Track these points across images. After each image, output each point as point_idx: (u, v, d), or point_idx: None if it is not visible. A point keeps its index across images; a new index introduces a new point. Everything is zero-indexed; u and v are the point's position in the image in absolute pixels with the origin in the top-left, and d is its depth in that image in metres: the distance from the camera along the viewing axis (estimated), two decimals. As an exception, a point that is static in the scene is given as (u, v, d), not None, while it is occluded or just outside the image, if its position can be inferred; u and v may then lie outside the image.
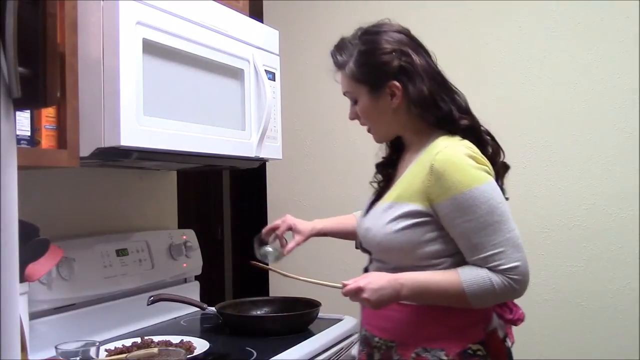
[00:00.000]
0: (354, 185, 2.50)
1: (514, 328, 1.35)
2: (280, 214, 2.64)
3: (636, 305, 2.01)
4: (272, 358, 1.41)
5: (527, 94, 2.19)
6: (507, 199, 1.28)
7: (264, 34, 1.79)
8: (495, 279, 1.18)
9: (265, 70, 1.74)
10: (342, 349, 1.67)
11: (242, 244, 4.37)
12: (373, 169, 2.55)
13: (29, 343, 1.23)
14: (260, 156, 1.72)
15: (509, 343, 1.33)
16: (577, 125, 2.12)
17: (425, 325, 1.26)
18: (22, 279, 1.19)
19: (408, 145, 1.38)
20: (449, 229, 1.23)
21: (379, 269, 1.34)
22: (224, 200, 4.43)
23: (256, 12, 2.33)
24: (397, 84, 1.28)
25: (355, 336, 1.77)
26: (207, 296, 2.05)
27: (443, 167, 1.20)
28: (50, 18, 0.63)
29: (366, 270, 1.41)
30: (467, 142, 1.27)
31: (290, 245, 1.53)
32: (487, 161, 1.26)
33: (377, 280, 1.23)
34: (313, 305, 1.75)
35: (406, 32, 1.35)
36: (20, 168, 0.63)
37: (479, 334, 1.25)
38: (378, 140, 1.43)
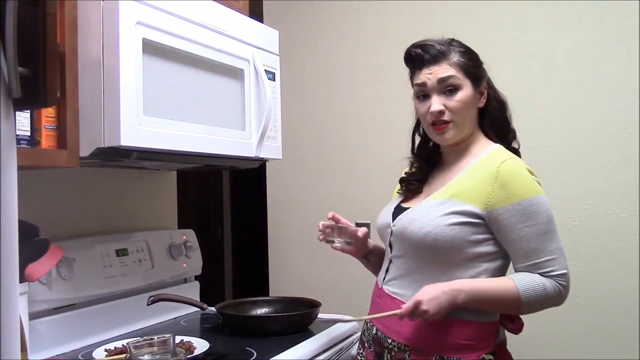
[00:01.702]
0: (353, 185, 2.50)
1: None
2: (280, 214, 2.66)
3: (636, 305, 2.01)
4: (272, 358, 1.41)
5: (527, 94, 2.19)
6: None
7: (264, 34, 1.79)
8: (548, 284, 1.27)
9: (265, 70, 1.74)
10: (342, 349, 1.68)
11: (242, 244, 4.37)
12: (372, 169, 2.56)
13: (29, 343, 1.23)
14: (260, 156, 1.72)
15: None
16: (577, 125, 2.12)
17: (443, 335, 1.30)
18: (22, 279, 1.19)
19: (456, 152, 1.42)
20: (506, 234, 1.29)
21: (407, 271, 1.36)
22: (224, 200, 4.43)
23: (256, 12, 2.33)
24: (487, 85, 1.43)
25: (356, 336, 1.77)
26: (207, 296, 2.05)
27: (510, 175, 1.29)
28: (50, 18, 0.63)
29: (387, 270, 1.43)
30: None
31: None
32: None
33: (431, 291, 1.26)
34: (313, 305, 1.75)
35: None
36: (20, 168, 0.63)
37: (491, 345, 1.31)
38: (450, 138, 1.39)
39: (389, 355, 1.36)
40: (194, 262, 2.01)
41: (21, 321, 0.71)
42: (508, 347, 1.39)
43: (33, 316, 1.39)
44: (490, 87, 1.43)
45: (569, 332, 2.09)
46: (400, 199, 1.49)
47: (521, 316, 1.36)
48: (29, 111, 1.19)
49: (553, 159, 2.15)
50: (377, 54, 2.43)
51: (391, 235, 1.41)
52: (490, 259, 1.31)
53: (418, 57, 1.38)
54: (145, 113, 1.32)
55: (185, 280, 2.01)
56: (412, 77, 1.44)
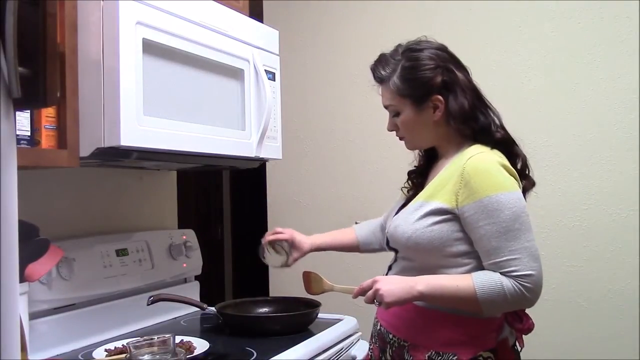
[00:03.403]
0: (353, 185, 2.50)
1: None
2: (280, 214, 2.66)
3: (636, 305, 2.01)
4: (272, 358, 1.41)
5: (527, 94, 2.19)
6: None
7: (264, 34, 1.79)
8: (507, 283, 1.22)
9: (265, 70, 1.74)
10: (342, 349, 1.67)
11: (242, 244, 4.37)
12: (372, 169, 2.56)
13: (29, 343, 1.23)
14: (260, 156, 1.72)
15: (518, 347, 1.38)
16: (577, 125, 2.12)
17: (439, 330, 1.31)
18: (22, 279, 1.19)
19: (442, 154, 1.44)
20: (471, 232, 1.28)
21: (404, 268, 1.40)
22: (224, 200, 4.43)
23: (256, 12, 2.33)
24: (440, 97, 1.35)
25: (356, 336, 1.77)
26: (207, 296, 2.05)
27: (474, 171, 1.27)
28: (50, 18, 0.63)
29: (390, 267, 1.47)
30: (498, 152, 1.34)
31: (292, 258, 1.62)
32: (516, 173, 1.33)
33: (391, 277, 1.34)
34: (313, 305, 1.74)
35: (446, 49, 1.41)
36: (20, 168, 0.63)
37: (490, 342, 1.30)
38: (410, 148, 1.49)
39: (390, 351, 1.38)
40: (194, 262, 2.01)
41: (21, 321, 0.71)
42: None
43: (33, 316, 1.39)
44: (452, 91, 1.35)
45: (569, 332, 2.10)
46: (403, 201, 1.50)
47: (529, 314, 1.36)
48: (29, 111, 1.19)
49: (553, 159, 2.15)
50: (377, 53, 2.43)
51: (388, 241, 1.46)
52: (477, 255, 1.30)
53: (373, 75, 1.45)
54: (145, 113, 1.32)
55: (185, 280, 2.01)
56: None
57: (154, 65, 1.36)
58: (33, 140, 1.22)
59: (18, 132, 1.18)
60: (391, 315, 1.38)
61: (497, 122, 1.40)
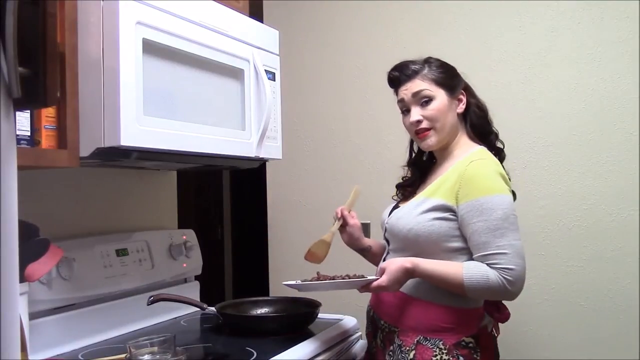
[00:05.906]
0: (353, 185, 2.49)
1: (505, 325, 1.52)
2: (280, 214, 2.66)
3: (636, 305, 2.01)
4: (272, 358, 1.41)
5: (527, 94, 2.19)
6: None
7: (264, 34, 1.79)
8: (492, 275, 1.35)
9: (265, 70, 1.74)
10: (342, 349, 1.67)
11: (242, 244, 4.37)
12: (372, 169, 2.57)
13: (29, 343, 1.23)
14: (260, 156, 1.72)
15: (494, 333, 1.52)
16: (577, 125, 2.12)
17: (426, 317, 1.42)
18: (22, 279, 1.19)
19: (444, 156, 1.56)
20: (465, 227, 1.40)
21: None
22: (224, 200, 4.43)
23: (256, 12, 2.33)
24: (464, 93, 1.55)
25: (356, 336, 1.78)
26: (207, 296, 2.05)
27: (474, 173, 1.41)
28: (50, 18, 0.63)
29: (384, 259, 1.57)
30: (497, 161, 1.49)
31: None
32: (509, 182, 1.47)
33: (393, 269, 1.39)
34: (313, 305, 1.75)
35: None
36: (20, 168, 0.63)
37: (472, 329, 1.43)
38: (433, 144, 1.53)
39: (381, 335, 1.52)
40: (194, 262, 2.01)
41: (21, 321, 0.71)
42: (507, 345, 1.47)
43: (33, 316, 1.39)
44: (471, 94, 1.57)
45: (569, 332, 2.09)
46: (399, 199, 1.65)
47: (507, 306, 1.48)
48: (29, 111, 1.19)
49: (553, 159, 2.15)
50: (378, 53, 2.43)
51: (385, 231, 1.57)
52: (470, 252, 1.42)
53: (396, 78, 1.56)
54: (145, 113, 1.32)
55: (185, 280, 2.01)
56: (396, 96, 1.59)
57: (154, 65, 1.36)
58: (33, 140, 1.22)
59: (18, 132, 1.18)
60: (382, 303, 1.51)
61: (496, 132, 1.57)
